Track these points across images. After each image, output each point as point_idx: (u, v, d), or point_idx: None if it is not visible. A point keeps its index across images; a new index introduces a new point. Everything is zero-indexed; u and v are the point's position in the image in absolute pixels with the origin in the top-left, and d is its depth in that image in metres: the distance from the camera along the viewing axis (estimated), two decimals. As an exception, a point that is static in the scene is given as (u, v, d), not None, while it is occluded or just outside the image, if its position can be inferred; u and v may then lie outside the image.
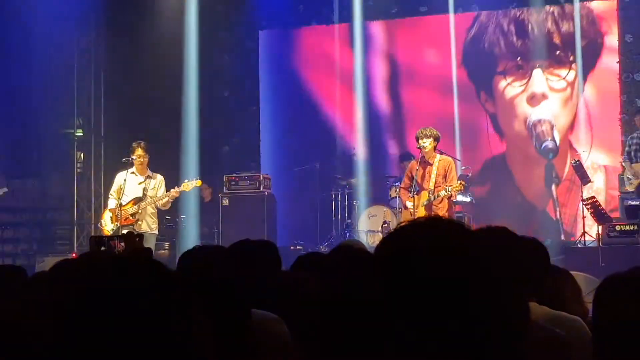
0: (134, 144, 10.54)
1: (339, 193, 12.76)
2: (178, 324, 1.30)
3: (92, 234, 13.54)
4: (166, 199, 10.42)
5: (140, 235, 2.91)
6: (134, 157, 10.41)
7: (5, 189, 13.02)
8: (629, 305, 1.93)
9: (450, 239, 1.27)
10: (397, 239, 1.29)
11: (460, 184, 10.07)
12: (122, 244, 2.77)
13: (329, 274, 2.79)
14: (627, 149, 12.36)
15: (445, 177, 10.16)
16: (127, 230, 9.50)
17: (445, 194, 10.00)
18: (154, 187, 10.48)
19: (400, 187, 10.78)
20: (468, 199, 11.95)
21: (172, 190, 10.45)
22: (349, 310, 1.81)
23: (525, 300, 2.37)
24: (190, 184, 10.57)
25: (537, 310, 2.98)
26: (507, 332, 1.34)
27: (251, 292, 2.66)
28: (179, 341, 1.28)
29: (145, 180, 10.45)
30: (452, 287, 1.21)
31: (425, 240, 1.26)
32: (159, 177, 10.60)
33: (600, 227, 11.08)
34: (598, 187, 13.07)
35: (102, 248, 2.83)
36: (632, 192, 12.10)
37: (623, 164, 12.37)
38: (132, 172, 10.49)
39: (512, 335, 1.28)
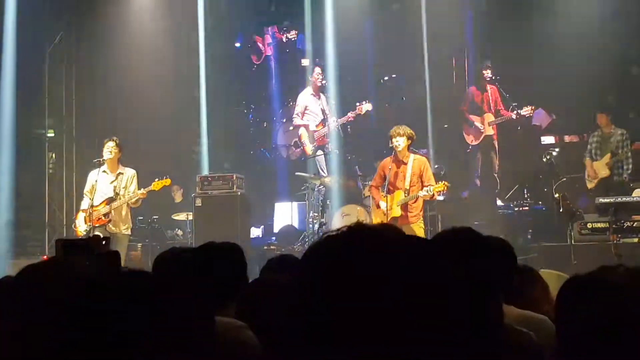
0: (106, 140, 10.53)
1: (313, 192, 12.77)
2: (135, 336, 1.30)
3: (64, 235, 13.46)
4: (135, 199, 10.40)
5: (107, 238, 2.88)
6: (104, 152, 10.38)
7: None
8: (588, 308, 1.95)
9: (367, 248, 1.23)
10: (319, 250, 1.27)
11: (444, 184, 10.09)
12: (87, 248, 2.74)
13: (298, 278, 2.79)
14: (588, 146, 12.61)
15: (420, 176, 10.16)
16: (98, 232, 9.46)
17: (427, 194, 10.00)
18: (126, 185, 10.44)
19: (372, 185, 10.77)
20: (441, 198, 11.98)
21: (139, 190, 10.43)
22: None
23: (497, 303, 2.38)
24: (160, 183, 10.53)
25: (507, 312, 2.99)
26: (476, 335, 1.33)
27: (215, 298, 2.65)
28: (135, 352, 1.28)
29: (116, 178, 10.41)
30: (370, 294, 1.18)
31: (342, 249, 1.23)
32: (131, 172, 10.57)
33: (571, 225, 11.18)
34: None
35: (67, 252, 2.80)
36: (593, 189, 12.31)
37: (584, 160, 12.59)
38: (104, 171, 10.45)
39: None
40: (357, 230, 1.26)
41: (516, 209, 13.09)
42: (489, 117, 13.95)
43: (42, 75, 14.23)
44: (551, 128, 14.57)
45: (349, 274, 1.19)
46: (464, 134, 14.32)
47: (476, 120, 14.05)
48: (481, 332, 1.47)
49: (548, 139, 14.21)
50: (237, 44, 16.59)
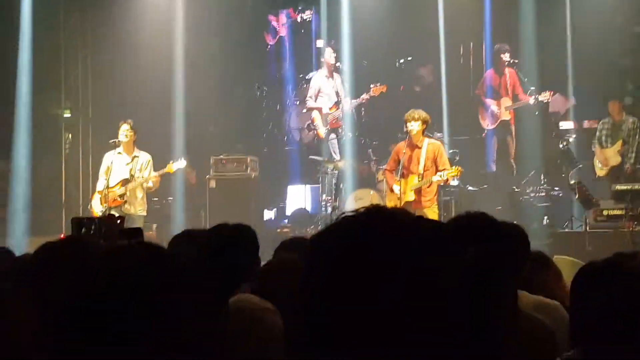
0: (121, 122, 10.56)
1: (326, 176, 12.76)
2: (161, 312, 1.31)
3: (81, 215, 13.53)
4: (151, 183, 10.42)
5: (122, 217, 2.90)
6: (120, 134, 10.40)
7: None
8: (604, 294, 1.94)
9: (384, 231, 1.21)
10: (332, 232, 1.25)
11: (457, 169, 10.06)
12: (102, 227, 2.77)
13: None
14: (597, 134, 12.50)
15: (434, 161, 10.13)
16: (112, 212, 9.52)
17: (440, 179, 9.98)
18: (141, 168, 10.47)
19: (385, 169, 10.74)
20: (455, 182, 11.95)
21: (155, 173, 10.45)
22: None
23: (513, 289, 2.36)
24: (175, 165, 10.56)
25: (520, 298, 2.99)
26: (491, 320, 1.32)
27: (229, 279, 2.66)
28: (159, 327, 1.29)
29: (132, 160, 10.43)
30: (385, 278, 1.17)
31: (361, 232, 1.21)
32: (146, 156, 10.58)
33: (587, 212, 11.14)
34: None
35: (83, 230, 2.82)
36: (603, 177, 12.23)
37: (593, 148, 12.50)
38: (119, 153, 10.48)
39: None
40: (375, 212, 1.24)
41: (532, 194, 12.91)
42: (506, 101, 13.78)
43: (58, 56, 14.26)
44: (570, 113, 14.35)
45: (367, 256, 1.17)
46: (480, 118, 14.18)
47: (492, 104, 13.89)
48: (495, 318, 1.46)
49: (566, 124, 14.02)
50: (251, 22, 16.09)
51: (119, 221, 2.78)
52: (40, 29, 13.51)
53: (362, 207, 1.27)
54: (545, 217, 12.42)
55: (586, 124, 13.93)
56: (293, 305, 2.72)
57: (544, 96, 13.17)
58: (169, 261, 1.38)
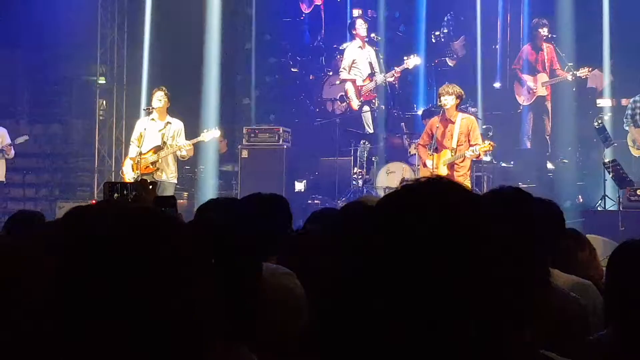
0: (155, 89, 10.57)
1: (358, 148, 12.71)
2: (181, 281, 1.30)
3: (113, 181, 13.64)
4: (184, 152, 10.42)
5: (154, 183, 2.90)
6: (154, 101, 10.41)
7: (26, 137, 13.10)
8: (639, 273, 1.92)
9: (453, 200, 1.25)
10: (399, 198, 1.27)
11: (490, 144, 10.01)
12: (135, 192, 2.78)
13: (337, 231, 2.78)
14: (629, 112, 12.23)
15: (468, 135, 10.08)
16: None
17: (472, 154, 9.94)
18: (173, 135, 10.48)
19: (419, 144, 10.70)
20: (488, 158, 11.86)
21: (188, 141, 10.45)
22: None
23: (545, 265, 2.34)
24: (210, 133, 10.56)
25: (554, 275, 2.96)
26: (525, 295, 1.33)
27: (262, 246, 2.65)
28: (181, 297, 1.28)
29: (165, 126, 10.43)
30: (453, 247, 1.19)
31: (427, 199, 1.24)
32: (179, 124, 10.59)
33: (621, 191, 11.00)
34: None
35: (116, 195, 2.84)
36: (638, 157, 12.00)
37: (626, 127, 12.25)
38: (152, 119, 10.50)
39: (511, 301, 1.27)
40: (438, 183, 1.29)
41: (567, 172, 12.73)
42: (543, 77, 13.51)
43: (95, 23, 14.31)
44: (607, 90, 14.03)
45: (428, 222, 1.21)
46: (516, 93, 13.96)
47: (529, 80, 13.65)
48: (529, 291, 1.45)
49: (604, 102, 13.76)
50: None
51: (151, 186, 2.79)
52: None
53: (423, 177, 1.31)
54: (580, 196, 12.29)
55: (624, 101, 13.62)
56: (318, 276, 2.72)
57: (582, 72, 12.88)
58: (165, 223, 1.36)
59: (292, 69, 15.78)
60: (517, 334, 1.28)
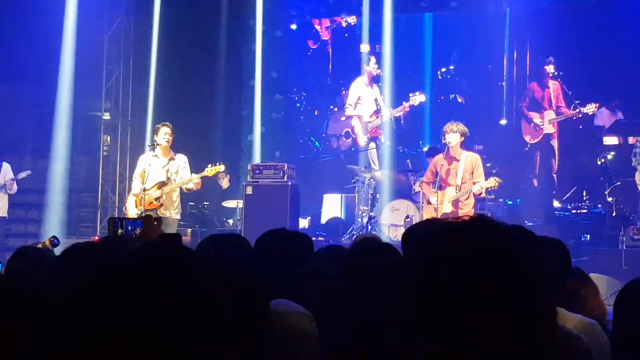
0: (159, 125, 10.57)
1: (363, 185, 12.72)
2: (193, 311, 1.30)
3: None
4: (191, 184, 10.41)
5: (159, 219, 2.90)
6: (158, 137, 10.41)
7: (29, 172, 13.09)
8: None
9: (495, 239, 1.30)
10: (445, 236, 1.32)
11: (495, 180, 10.03)
12: (139, 228, 2.77)
13: (349, 267, 2.77)
14: (638, 150, 11.97)
15: (472, 173, 10.10)
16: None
17: (479, 189, 9.96)
18: (177, 170, 10.48)
19: (423, 181, 10.73)
20: (491, 196, 11.86)
21: (193, 175, 10.45)
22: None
23: (553, 304, 2.34)
24: (214, 169, 10.56)
25: (563, 315, 2.95)
26: (535, 333, 1.34)
27: (278, 284, 2.64)
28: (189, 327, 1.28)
29: (168, 162, 10.44)
30: (488, 282, 1.26)
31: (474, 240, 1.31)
32: (183, 158, 10.60)
33: (624, 230, 10.97)
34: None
35: (120, 231, 2.83)
36: None
37: (634, 164, 12.02)
38: (155, 156, 10.50)
39: (539, 337, 1.31)
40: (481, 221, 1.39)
41: (574, 211, 12.63)
42: (550, 114, 13.52)
43: (100, 58, 14.41)
44: (615, 128, 13.92)
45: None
46: (523, 132, 13.94)
47: (535, 118, 13.64)
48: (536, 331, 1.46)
49: (611, 140, 13.63)
50: (293, 26, 15.92)
51: (156, 222, 2.79)
52: (84, 31, 13.67)
53: (466, 215, 1.43)
54: (588, 235, 12.10)
55: (631, 139, 13.50)
56: (328, 313, 2.70)
57: (589, 108, 12.86)
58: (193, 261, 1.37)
59: (297, 105, 15.85)
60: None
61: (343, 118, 14.24)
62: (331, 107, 15.38)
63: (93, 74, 14.31)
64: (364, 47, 14.59)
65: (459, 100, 14.89)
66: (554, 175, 13.74)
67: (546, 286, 1.37)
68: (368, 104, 13.66)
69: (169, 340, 1.27)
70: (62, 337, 1.30)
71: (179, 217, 10.76)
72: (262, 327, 2.07)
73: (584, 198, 12.81)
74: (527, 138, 13.86)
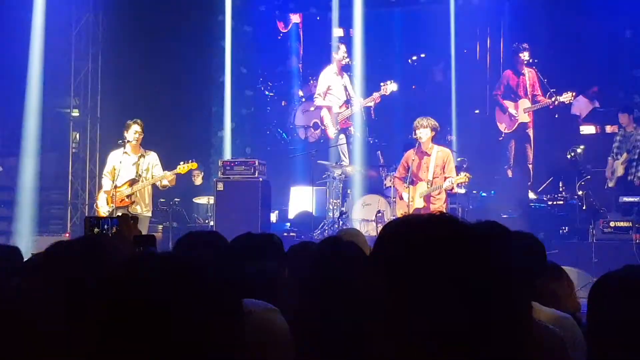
0: (130, 121, 10.48)
1: (334, 181, 12.70)
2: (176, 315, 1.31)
3: (86, 214, 13.53)
4: (166, 181, 10.36)
5: (135, 218, 2.90)
6: (128, 134, 10.35)
7: (0, 169, 12.98)
8: (623, 305, 1.93)
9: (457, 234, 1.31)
10: (405, 233, 1.33)
11: (465, 175, 10.08)
12: (115, 227, 2.76)
13: (317, 268, 2.77)
14: (613, 144, 12.04)
15: (443, 168, 10.16)
16: (122, 212, 9.47)
17: (450, 185, 10.00)
18: (148, 167, 10.44)
19: (395, 176, 10.75)
20: (462, 191, 11.87)
21: (166, 172, 10.42)
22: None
23: (528, 299, 2.37)
24: (187, 166, 10.53)
25: (537, 309, 2.98)
26: (511, 330, 1.36)
27: (247, 285, 2.64)
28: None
29: (138, 159, 10.40)
30: (458, 282, 1.24)
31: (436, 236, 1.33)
32: (153, 155, 10.55)
33: (594, 222, 11.09)
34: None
35: (96, 230, 2.82)
36: (613, 187, 11.94)
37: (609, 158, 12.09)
38: (125, 152, 10.44)
39: (516, 334, 1.32)
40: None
41: (549, 202, 12.28)
42: (525, 103, 13.09)
43: (68, 55, 14.29)
44: (592, 117, 13.67)
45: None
46: (497, 121, 13.51)
47: (510, 107, 13.20)
48: (511, 327, 1.47)
49: (588, 129, 13.43)
50: (262, 8, 15.52)
51: (132, 221, 2.79)
52: (52, 27, 13.54)
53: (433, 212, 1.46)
54: (566, 227, 11.84)
55: (608, 128, 13.27)
56: (303, 310, 2.70)
57: (566, 97, 12.49)
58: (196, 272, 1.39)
59: (266, 93, 15.68)
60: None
61: (312, 108, 13.98)
62: (300, 97, 15.17)
63: (61, 71, 14.19)
64: (337, 32, 14.29)
65: (429, 89, 14.70)
66: (529, 166, 13.40)
67: (518, 282, 1.38)
68: (338, 94, 13.32)
69: (146, 342, 1.28)
70: (50, 338, 1.30)
71: (150, 214, 10.73)
72: (238, 326, 2.07)
73: (560, 189, 12.48)
74: (502, 127, 13.44)
